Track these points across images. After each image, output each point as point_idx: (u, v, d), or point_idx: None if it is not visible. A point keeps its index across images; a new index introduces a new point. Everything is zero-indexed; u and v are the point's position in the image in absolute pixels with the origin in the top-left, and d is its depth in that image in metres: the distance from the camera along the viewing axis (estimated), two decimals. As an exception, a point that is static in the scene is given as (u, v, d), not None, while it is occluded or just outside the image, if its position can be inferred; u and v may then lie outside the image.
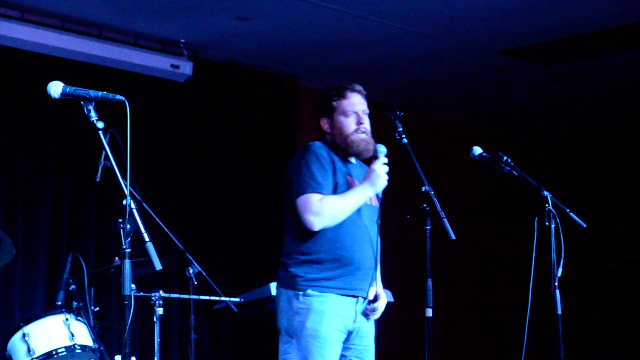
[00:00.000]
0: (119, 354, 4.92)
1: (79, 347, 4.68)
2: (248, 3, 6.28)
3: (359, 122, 3.98)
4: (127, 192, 3.08)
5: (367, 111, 4.05)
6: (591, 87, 8.62)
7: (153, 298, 4.98)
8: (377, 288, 4.02)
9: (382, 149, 3.94)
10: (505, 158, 4.43)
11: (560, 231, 4.26)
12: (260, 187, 7.51)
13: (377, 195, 4.02)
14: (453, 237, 3.73)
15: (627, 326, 10.80)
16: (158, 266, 3.05)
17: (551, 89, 8.72)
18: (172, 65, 6.87)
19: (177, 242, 4.87)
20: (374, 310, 3.98)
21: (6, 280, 6.09)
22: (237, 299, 5.31)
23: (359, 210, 3.89)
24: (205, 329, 7.00)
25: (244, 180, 7.53)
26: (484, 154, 4.48)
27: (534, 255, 4.35)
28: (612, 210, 11.21)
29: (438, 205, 3.79)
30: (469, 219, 9.10)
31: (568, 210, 4.37)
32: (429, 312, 3.82)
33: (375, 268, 3.96)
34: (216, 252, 7.27)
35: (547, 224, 4.27)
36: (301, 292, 3.82)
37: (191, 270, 5.00)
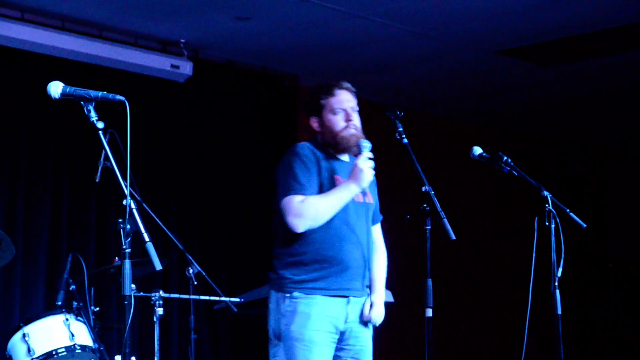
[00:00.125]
0: (119, 354, 4.91)
1: (79, 347, 4.68)
2: (248, 3, 6.28)
3: (348, 119, 3.95)
4: (127, 192, 3.08)
5: (357, 108, 4.01)
6: (591, 87, 8.63)
7: (153, 298, 4.98)
8: (374, 297, 3.98)
9: (365, 144, 3.88)
10: (505, 158, 4.43)
11: (560, 231, 4.26)
12: (260, 187, 7.51)
13: (366, 192, 3.97)
14: (453, 237, 3.72)
15: (627, 326, 10.80)
16: (158, 266, 3.05)
17: (551, 89, 8.72)
18: (172, 65, 6.87)
19: (177, 242, 4.87)
20: (369, 320, 3.96)
21: (6, 280, 6.09)
22: (237, 299, 5.31)
23: (346, 209, 3.85)
24: (205, 329, 7.00)
25: (244, 180, 7.52)
26: (484, 154, 4.48)
27: (534, 255, 4.35)
28: (612, 210, 11.21)
29: (438, 205, 3.78)
30: (469, 219, 9.10)
31: (568, 210, 4.37)
32: (429, 312, 3.82)
33: (366, 267, 3.91)
34: (216, 252, 7.27)
35: (547, 224, 4.27)
36: (288, 295, 3.80)
37: (191, 270, 5.00)
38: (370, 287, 4.01)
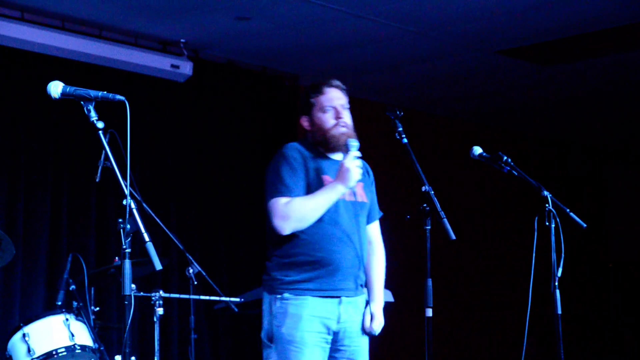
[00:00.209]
0: (119, 354, 4.91)
1: (79, 347, 4.68)
2: (248, 3, 6.28)
3: (338, 117, 3.91)
4: (127, 192, 3.08)
5: (347, 105, 3.98)
6: (591, 87, 8.63)
7: (153, 298, 4.98)
8: (373, 307, 3.98)
9: (353, 143, 3.84)
10: (505, 158, 4.43)
11: (560, 231, 4.27)
12: (260, 187, 7.39)
13: (356, 190, 3.93)
14: (453, 237, 3.71)
15: (627, 326, 10.81)
16: (158, 266, 3.05)
17: (551, 89, 8.72)
18: (172, 65, 6.87)
19: (177, 242, 4.87)
20: (370, 332, 3.95)
21: (6, 280, 6.09)
22: (237, 299, 5.31)
23: (337, 209, 3.82)
24: (206, 329, 7.00)
25: (244, 180, 7.52)
26: (484, 154, 4.48)
27: (534, 255, 4.35)
28: (611, 210, 11.22)
29: (438, 205, 3.77)
30: (469, 219, 9.11)
31: (568, 210, 4.37)
32: (429, 312, 3.82)
33: (360, 266, 3.90)
34: (216, 252, 7.27)
35: (547, 224, 4.27)
36: (279, 296, 3.79)
37: (191, 270, 5.00)
38: (368, 293, 3.99)
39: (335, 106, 3.94)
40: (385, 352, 5.01)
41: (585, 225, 4.36)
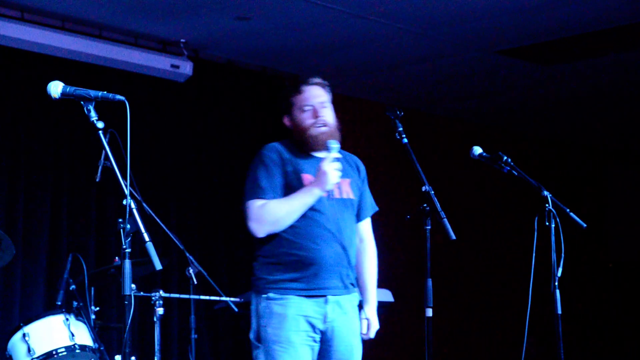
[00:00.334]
0: (119, 354, 4.91)
1: (79, 347, 4.68)
2: (248, 3, 6.28)
3: (316, 115, 3.89)
4: (127, 192, 3.08)
5: (328, 103, 3.94)
6: (591, 87, 8.62)
7: (153, 298, 4.98)
8: (368, 311, 3.97)
9: (333, 145, 3.81)
10: (505, 158, 4.43)
11: (560, 231, 4.26)
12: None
13: (342, 187, 3.90)
14: (453, 237, 3.71)
15: (627, 326, 10.80)
16: (158, 266, 3.05)
17: (551, 89, 8.72)
18: (172, 65, 6.87)
19: (177, 242, 4.86)
20: (368, 338, 3.95)
21: (6, 280, 6.09)
22: (238, 299, 5.31)
23: (321, 207, 3.80)
24: (206, 329, 6.99)
25: (244, 180, 7.49)
26: (484, 154, 4.48)
27: (534, 255, 4.35)
28: (611, 210, 11.21)
29: (438, 205, 3.77)
30: (469, 219, 9.10)
31: (568, 210, 4.37)
32: (429, 312, 3.82)
33: (347, 264, 3.86)
34: (216, 252, 7.26)
35: (547, 224, 4.27)
36: (264, 296, 3.80)
37: (191, 270, 5.00)
38: (361, 294, 3.97)
39: (313, 104, 3.91)
40: (385, 352, 5.01)
41: (585, 225, 4.36)
